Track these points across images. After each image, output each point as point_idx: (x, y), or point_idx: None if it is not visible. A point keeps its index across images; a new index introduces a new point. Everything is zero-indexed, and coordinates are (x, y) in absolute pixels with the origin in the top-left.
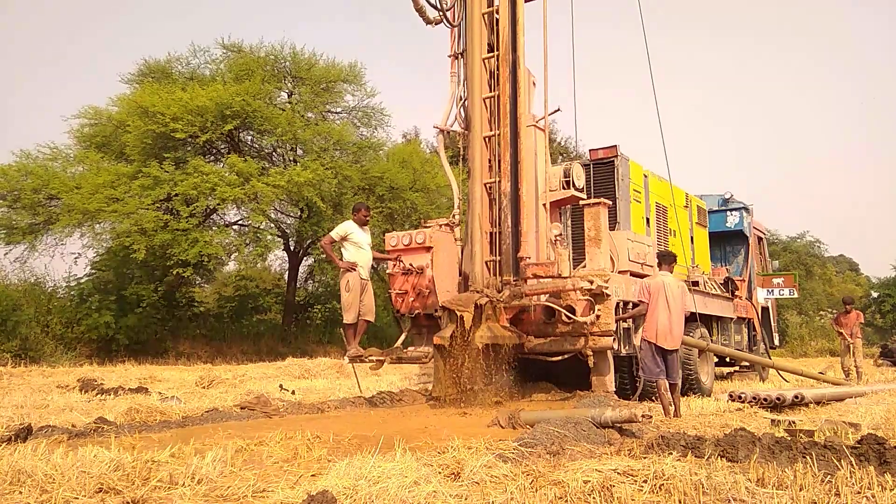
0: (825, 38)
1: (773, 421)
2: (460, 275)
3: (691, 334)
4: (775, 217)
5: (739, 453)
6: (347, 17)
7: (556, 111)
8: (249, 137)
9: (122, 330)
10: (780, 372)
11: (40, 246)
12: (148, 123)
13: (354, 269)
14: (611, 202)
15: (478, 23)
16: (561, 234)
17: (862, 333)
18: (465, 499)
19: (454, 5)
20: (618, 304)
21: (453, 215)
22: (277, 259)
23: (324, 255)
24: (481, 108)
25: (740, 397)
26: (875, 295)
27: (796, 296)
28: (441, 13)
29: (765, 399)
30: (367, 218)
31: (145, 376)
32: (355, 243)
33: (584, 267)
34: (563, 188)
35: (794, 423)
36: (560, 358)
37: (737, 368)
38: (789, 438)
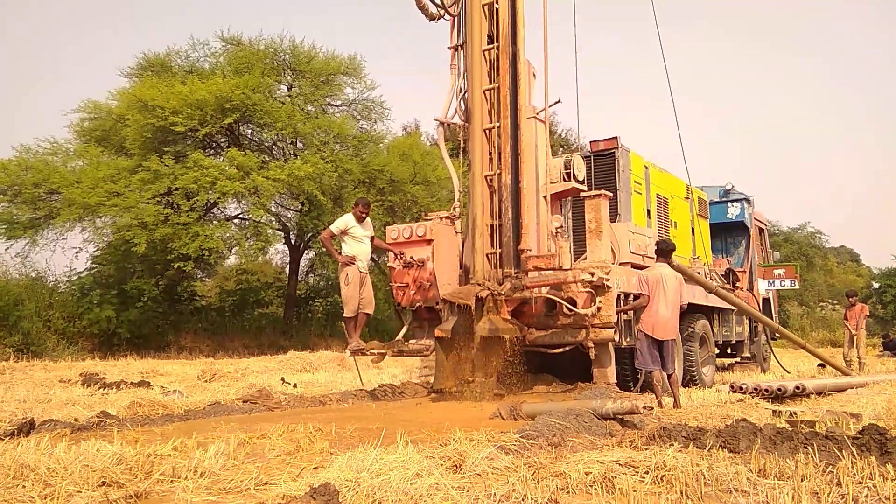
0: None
1: (774, 412)
2: (461, 267)
3: (692, 326)
4: (776, 208)
5: (741, 444)
6: (346, 10)
7: (556, 102)
8: (249, 131)
9: (124, 324)
10: (781, 362)
11: (41, 241)
12: (148, 117)
13: (353, 263)
14: (612, 194)
15: (478, 14)
16: (562, 226)
17: (866, 325)
18: (467, 491)
19: (455, 1)
20: (619, 295)
21: (454, 208)
22: (278, 253)
23: (324, 249)
24: (481, 100)
25: (741, 388)
26: (876, 285)
27: (797, 287)
28: (443, 9)
29: (766, 390)
30: (367, 213)
31: (147, 370)
32: (355, 237)
33: (585, 259)
34: (564, 180)
35: (795, 413)
36: (561, 350)
37: (738, 359)
38: (791, 429)
